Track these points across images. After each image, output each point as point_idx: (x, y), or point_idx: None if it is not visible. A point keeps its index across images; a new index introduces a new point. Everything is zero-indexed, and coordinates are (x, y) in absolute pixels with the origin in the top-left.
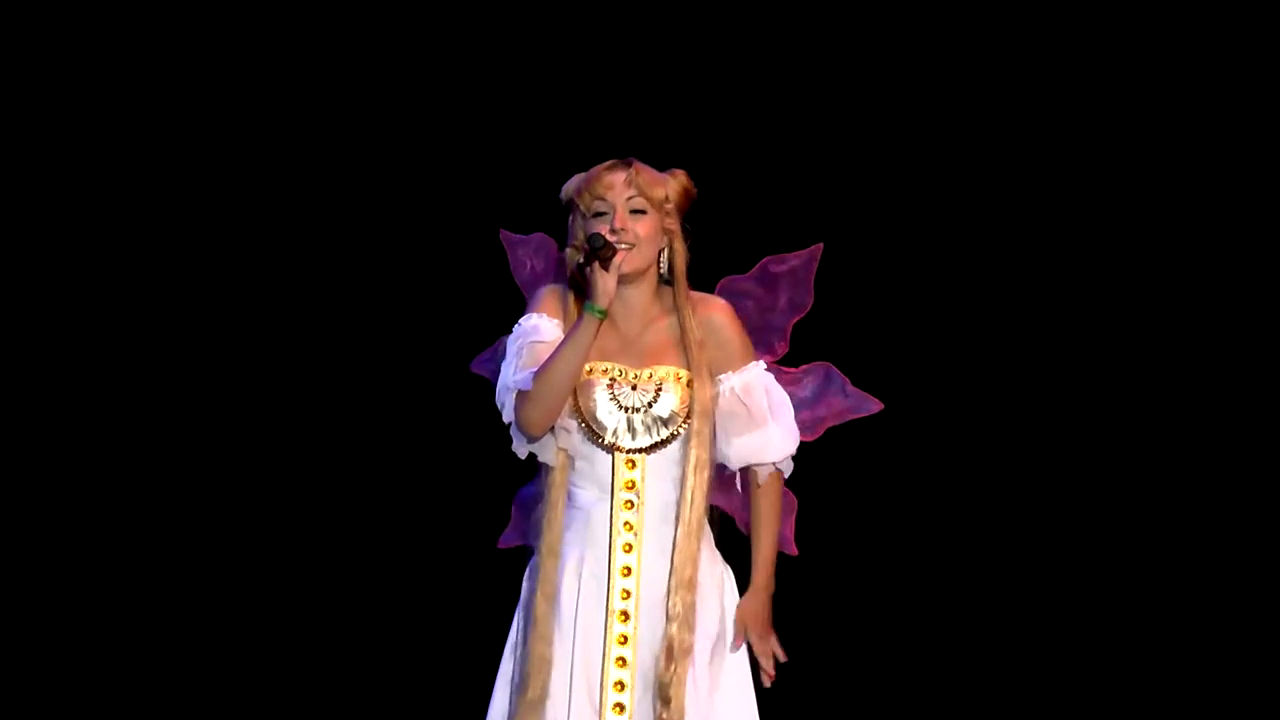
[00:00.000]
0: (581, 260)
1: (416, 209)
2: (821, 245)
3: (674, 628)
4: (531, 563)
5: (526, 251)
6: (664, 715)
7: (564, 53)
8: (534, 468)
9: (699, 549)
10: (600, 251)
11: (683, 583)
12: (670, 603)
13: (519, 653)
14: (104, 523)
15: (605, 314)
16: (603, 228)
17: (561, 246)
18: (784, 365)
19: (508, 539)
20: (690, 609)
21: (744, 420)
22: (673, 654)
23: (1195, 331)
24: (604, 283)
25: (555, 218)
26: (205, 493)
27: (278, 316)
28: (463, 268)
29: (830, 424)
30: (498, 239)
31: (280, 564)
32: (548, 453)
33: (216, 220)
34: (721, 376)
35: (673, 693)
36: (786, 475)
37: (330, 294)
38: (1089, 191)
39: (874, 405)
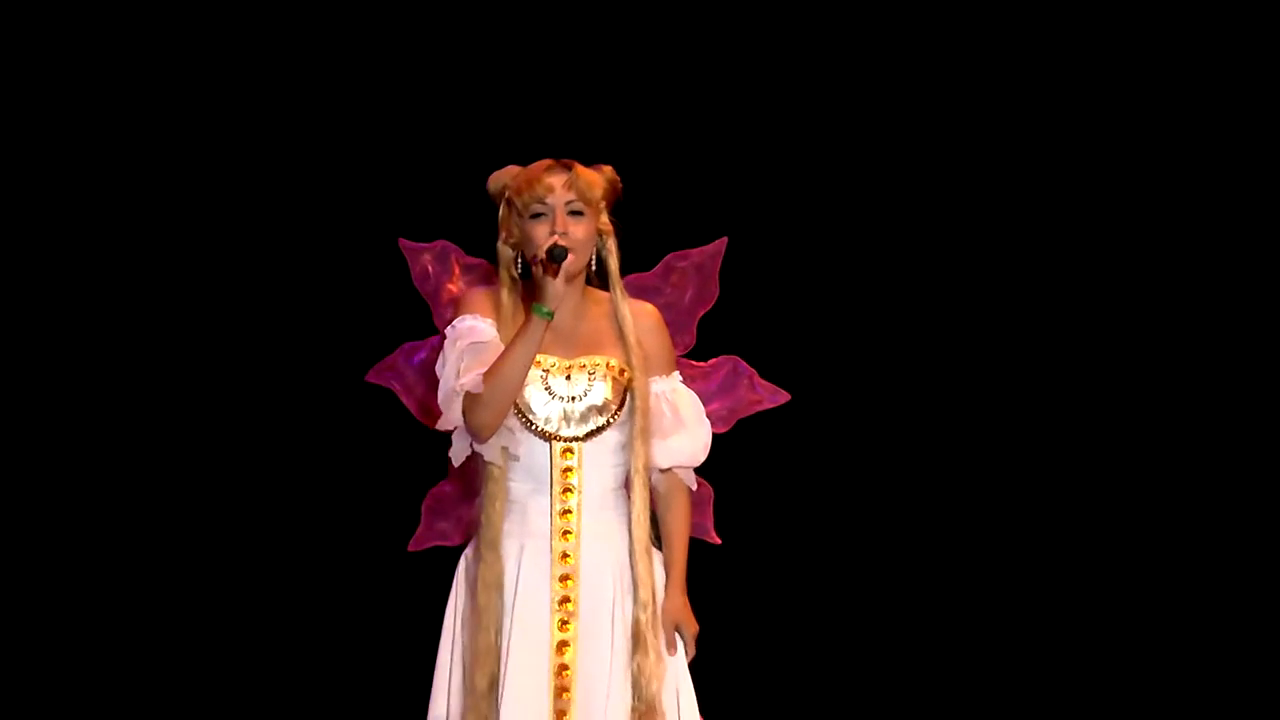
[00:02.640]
0: (537, 265)
1: (316, 219)
2: (726, 239)
3: (644, 616)
4: (466, 557)
5: (428, 259)
6: (637, 703)
7: (467, 53)
8: (444, 469)
9: (649, 541)
10: (557, 260)
11: (644, 573)
12: (640, 594)
13: (462, 646)
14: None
15: (553, 315)
16: (544, 228)
17: (467, 250)
18: (691, 359)
19: (418, 541)
20: (656, 597)
21: (673, 423)
22: (644, 643)
23: (1107, 301)
24: (553, 286)
25: (455, 223)
26: (114, 502)
27: (181, 326)
28: (364, 277)
29: (740, 415)
30: (397, 247)
31: (193, 577)
32: (493, 453)
33: (142, 228)
34: (650, 380)
35: (651, 675)
36: (693, 488)
37: (227, 304)
38: (992, 175)
39: (782, 396)
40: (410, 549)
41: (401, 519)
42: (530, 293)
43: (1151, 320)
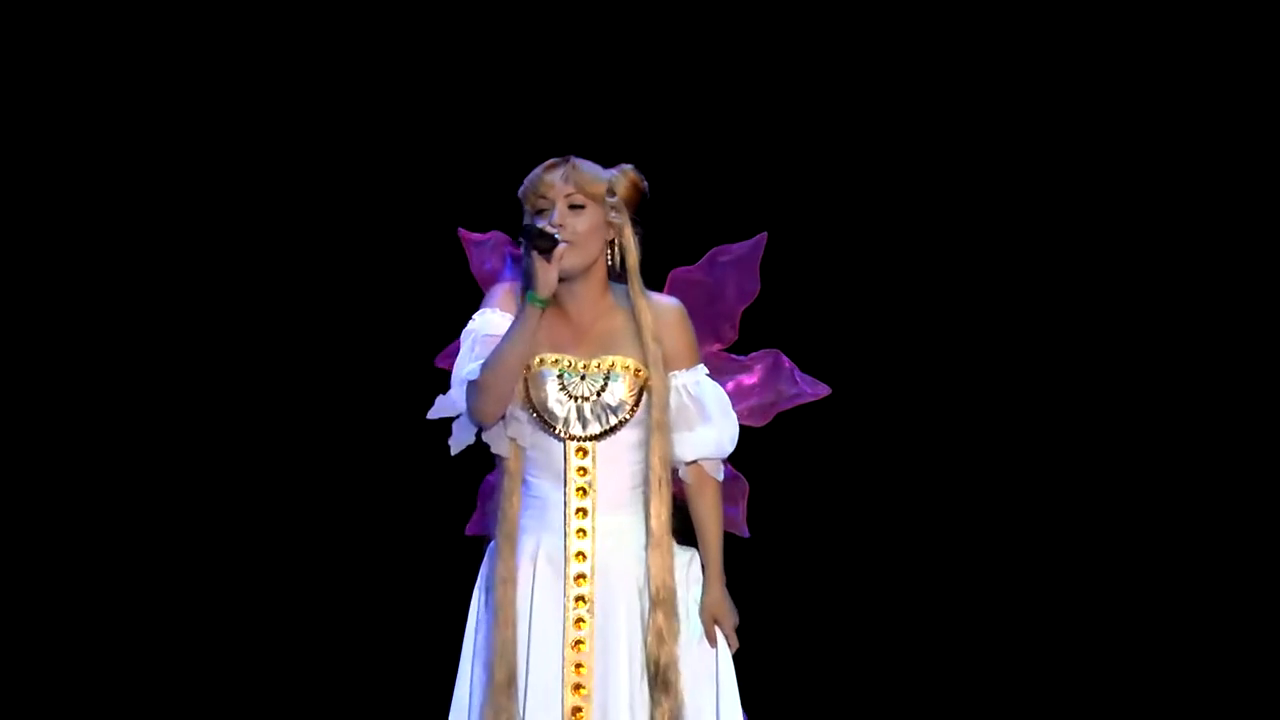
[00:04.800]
0: (527, 251)
1: (380, 210)
2: (766, 234)
3: (660, 614)
4: (489, 550)
5: (483, 250)
6: (664, 700)
7: (519, 52)
8: (494, 458)
9: (670, 538)
10: (536, 242)
11: (660, 569)
12: (652, 589)
13: (481, 638)
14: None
15: (546, 304)
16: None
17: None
18: (733, 353)
19: (474, 527)
20: (672, 594)
21: (696, 415)
22: (662, 638)
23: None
24: (544, 273)
25: (512, 216)
26: (171, 490)
27: (244, 315)
28: (426, 266)
29: (780, 409)
30: (457, 238)
31: (251, 557)
32: (500, 444)
33: (178, 221)
34: (671, 374)
35: (670, 676)
36: (720, 479)
37: (297, 294)
38: (1030, 174)
39: (822, 390)
40: (467, 533)
41: (461, 505)
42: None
43: (1190, 321)
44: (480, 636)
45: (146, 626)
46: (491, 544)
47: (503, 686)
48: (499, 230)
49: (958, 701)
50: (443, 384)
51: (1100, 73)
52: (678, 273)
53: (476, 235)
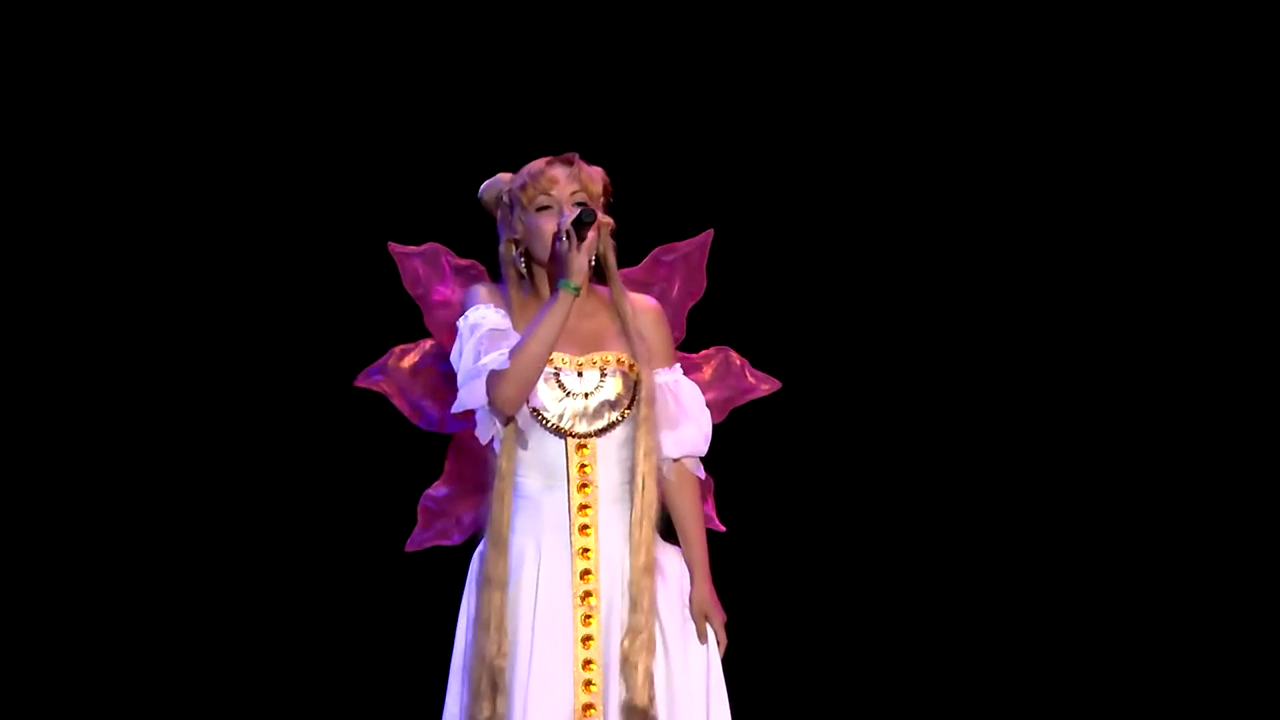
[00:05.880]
0: (566, 237)
1: (305, 226)
2: (712, 231)
3: (637, 615)
4: (477, 554)
5: (418, 262)
6: (634, 699)
7: (450, 54)
8: (438, 470)
9: (654, 534)
10: (581, 229)
11: (639, 568)
12: (632, 588)
13: (465, 643)
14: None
15: (580, 290)
16: (551, 221)
17: (458, 252)
18: (683, 351)
19: (416, 542)
20: (651, 594)
21: (678, 413)
22: (636, 639)
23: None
24: (578, 260)
25: (441, 226)
26: (108, 510)
27: (170, 333)
28: (351, 282)
29: (734, 405)
30: (386, 252)
31: (191, 585)
32: (486, 430)
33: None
34: (654, 371)
35: (640, 675)
36: (701, 476)
37: (217, 311)
38: (976, 168)
39: (773, 384)
40: (407, 550)
41: (398, 521)
42: (534, 290)
43: (1133, 305)
44: (465, 641)
45: (121, 639)
46: (480, 548)
47: (485, 693)
48: (433, 241)
49: (933, 695)
50: (367, 402)
51: (1050, 65)
52: (620, 274)
53: (409, 248)
